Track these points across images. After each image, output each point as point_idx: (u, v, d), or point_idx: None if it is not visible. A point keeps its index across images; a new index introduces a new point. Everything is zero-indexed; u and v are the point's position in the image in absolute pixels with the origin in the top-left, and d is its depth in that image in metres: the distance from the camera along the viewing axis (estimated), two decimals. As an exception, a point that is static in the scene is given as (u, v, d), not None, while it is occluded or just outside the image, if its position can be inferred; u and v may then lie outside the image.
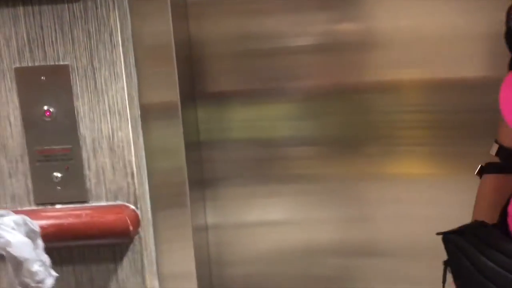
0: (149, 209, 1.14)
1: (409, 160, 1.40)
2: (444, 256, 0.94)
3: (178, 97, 1.11)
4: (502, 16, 0.92)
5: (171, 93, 1.11)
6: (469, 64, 1.29)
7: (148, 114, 1.12)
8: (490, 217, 0.91)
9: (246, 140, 1.38)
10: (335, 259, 1.44)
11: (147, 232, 1.12)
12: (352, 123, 1.37)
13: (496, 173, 0.94)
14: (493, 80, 1.14)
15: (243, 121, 1.37)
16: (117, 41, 1.03)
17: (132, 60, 1.09)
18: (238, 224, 1.41)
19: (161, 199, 1.15)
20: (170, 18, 1.09)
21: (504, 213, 0.89)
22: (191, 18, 1.30)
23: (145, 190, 1.12)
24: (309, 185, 1.40)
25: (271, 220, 1.42)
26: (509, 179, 0.92)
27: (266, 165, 1.39)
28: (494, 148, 0.94)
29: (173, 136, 1.12)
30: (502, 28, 0.92)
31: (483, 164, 0.97)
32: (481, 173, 0.97)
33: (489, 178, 0.95)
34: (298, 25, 1.30)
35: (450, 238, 0.86)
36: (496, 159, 0.94)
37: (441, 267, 0.95)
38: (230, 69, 1.35)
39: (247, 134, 1.38)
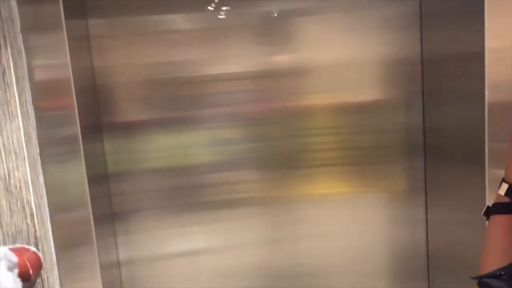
0: (52, 249, 1.09)
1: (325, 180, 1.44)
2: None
3: (79, 130, 1.08)
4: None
5: (71, 127, 1.08)
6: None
7: (48, 151, 1.08)
8: (505, 259, 0.87)
9: (158, 170, 1.36)
10: (259, 282, 1.45)
11: (50, 274, 1.07)
12: (271, 148, 1.39)
13: (506, 213, 0.89)
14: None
15: (154, 150, 1.35)
16: (11, 80, 0.99)
17: (29, 98, 1.05)
18: (152, 257, 1.38)
19: (66, 237, 1.11)
20: (68, 51, 1.06)
21: None
22: (94, 50, 1.27)
23: (47, 230, 1.07)
24: (227, 211, 1.40)
25: (187, 250, 1.40)
26: None
27: (180, 194, 1.37)
28: (504, 188, 0.88)
29: (74, 171, 1.09)
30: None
31: (490, 205, 0.92)
32: (488, 214, 0.92)
33: (499, 219, 0.90)
34: (211, 54, 1.32)
35: (487, 282, 0.81)
36: (504, 199, 0.89)
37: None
38: (139, 99, 1.33)
39: (158, 164, 1.36)
